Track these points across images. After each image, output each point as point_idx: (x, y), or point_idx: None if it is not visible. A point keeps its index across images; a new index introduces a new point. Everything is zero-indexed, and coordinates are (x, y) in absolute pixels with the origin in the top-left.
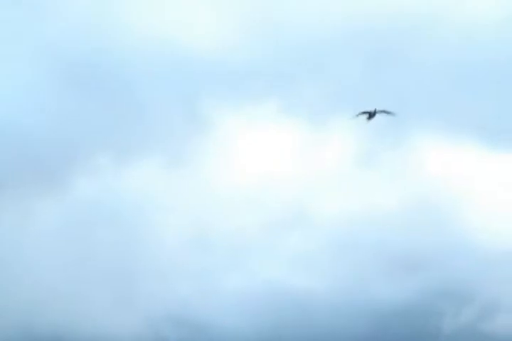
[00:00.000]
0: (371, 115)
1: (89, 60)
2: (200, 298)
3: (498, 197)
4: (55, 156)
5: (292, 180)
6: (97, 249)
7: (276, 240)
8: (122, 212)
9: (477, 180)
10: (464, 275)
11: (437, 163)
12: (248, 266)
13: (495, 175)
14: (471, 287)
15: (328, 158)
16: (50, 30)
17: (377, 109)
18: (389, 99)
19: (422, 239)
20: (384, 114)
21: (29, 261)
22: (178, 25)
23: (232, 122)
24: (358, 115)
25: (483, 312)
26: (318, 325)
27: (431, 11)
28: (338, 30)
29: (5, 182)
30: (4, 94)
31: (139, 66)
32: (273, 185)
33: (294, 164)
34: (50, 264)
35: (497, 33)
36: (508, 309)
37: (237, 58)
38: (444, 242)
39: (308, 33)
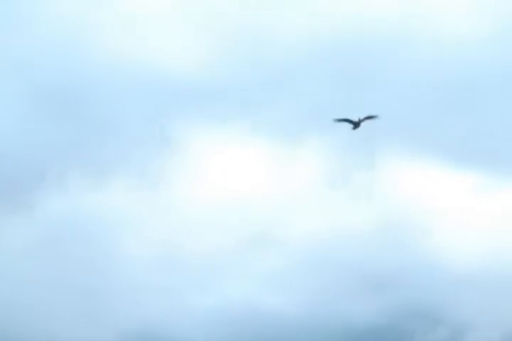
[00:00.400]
0: (356, 125)
1: (58, 80)
2: (170, 316)
3: (467, 217)
4: (23, 175)
5: (263, 199)
6: (66, 268)
7: (247, 259)
8: (92, 230)
9: (446, 200)
10: (433, 294)
11: (407, 183)
12: (219, 284)
13: (463, 196)
14: (441, 306)
15: (299, 177)
16: (18, 49)
17: (361, 117)
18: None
19: (392, 259)
20: (369, 120)
21: None
22: (148, 45)
23: (201, 142)
24: (338, 121)
25: (454, 332)
26: None
27: (401, 31)
28: (307, 50)
29: None
30: None
31: (109, 86)
32: (243, 205)
33: (265, 184)
34: (18, 281)
35: (467, 54)
36: (478, 328)
37: (207, 78)
38: (414, 262)
39: (277, 52)
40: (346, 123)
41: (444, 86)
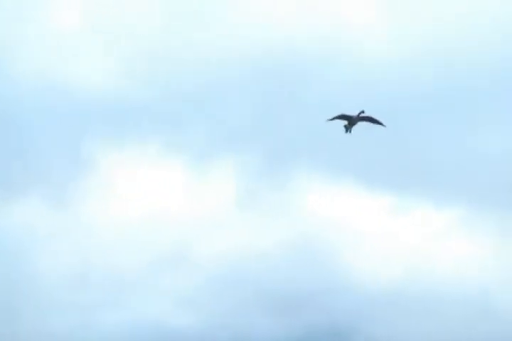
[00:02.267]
0: (352, 122)
1: None
2: (81, 332)
3: (379, 239)
4: None
5: (175, 219)
6: None
7: (158, 278)
8: (6, 248)
9: (357, 220)
10: (346, 315)
11: (318, 203)
12: (131, 302)
13: (374, 216)
14: (353, 326)
15: (211, 198)
16: None
17: (363, 114)
18: (273, 140)
19: (304, 279)
20: (370, 124)
21: None
22: (62, 63)
23: (116, 162)
24: (333, 119)
25: None
26: None
27: (322, 52)
28: (226, 70)
29: None
30: None
31: (22, 103)
32: (156, 224)
33: (178, 204)
34: None
35: (389, 74)
36: None
37: (122, 97)
38: (326, 282)
39: (195, 71)
40: (340, 127)
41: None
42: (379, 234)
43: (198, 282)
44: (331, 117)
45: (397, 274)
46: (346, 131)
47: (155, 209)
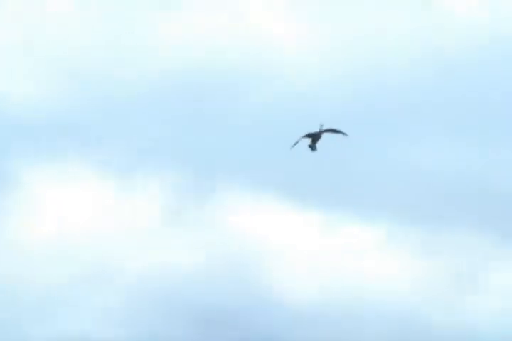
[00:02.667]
0: (315, 138)
1: None
2: None
3: (303, 254)
4: None
5: (99, 236)
6: None
7: (82, 294)
8: None
9: (283, 237)
10: (270, 329)
11: (243, 220)
12: (54, 317)
13: (300, 233)
14: None
15: (134, 213)
16: None
17: (322, 128)
18: (195, 155)
19: (229, 294)
20: (333, 134)
21: None
22: None
23: (38, 178)
24: (299, 140)
25: None
26: None
27: (245, 64)
28: (147, 86)
29: None
30: None
31: None
32: (80, 241)
33: (100, 220)
34: None
35: (313, 88)
36: None
37: (43, 114)
38: (250, 297)
39: (114, 87)
40: (305, 145)
41: (279, 127)
42: (304, 250)
43: (124, 298)
44: (294, 141)
45: (322, 290)
46: (312, 149)
47: (78, 226)
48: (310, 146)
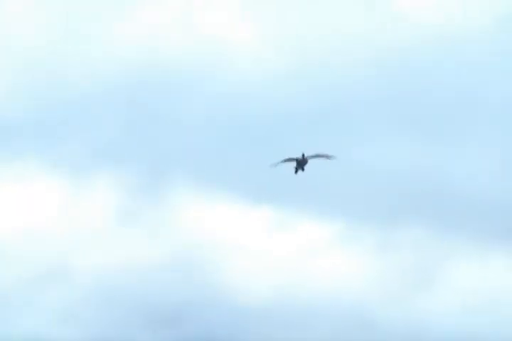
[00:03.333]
0: (301, 163)
1: None
2: None
3: (258, 253)
4: None
5: (54, 235)
6: None
7: (37, 294)
8: None
9: (235, 235)
10: (223, 328)
11: (196, 218)
12: (10, 316)
13: (253, 231)
14: (230, 339)
15: (89, 212)
16: None
17: (308, 155)
18: (150, 155)
19: (181, 294)
20: (321, 159)
21: None
22: None
23: None
24: (282, 162)
25: None
26: None
27: (194, 68)
28: (101, 86)
29: None
30: None
31: None
32: (35, 239)
33: (56, 220)
34: None
35: (268, 90)
36: None
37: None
38: (203, 296)
39: (70, 88)
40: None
41: (237, 122)
42: (259, 248)
43: (78, 296)
44: (276, 163)
45: (274, 288)
46: (296, 171)
47: (33, 225)
48: (296, 168)
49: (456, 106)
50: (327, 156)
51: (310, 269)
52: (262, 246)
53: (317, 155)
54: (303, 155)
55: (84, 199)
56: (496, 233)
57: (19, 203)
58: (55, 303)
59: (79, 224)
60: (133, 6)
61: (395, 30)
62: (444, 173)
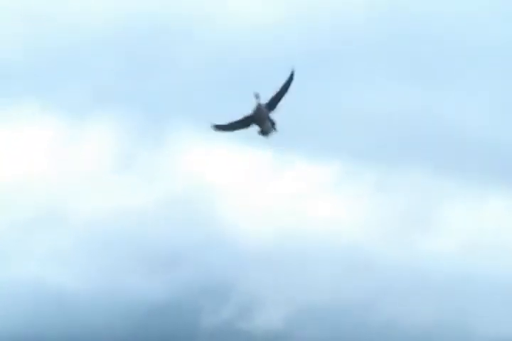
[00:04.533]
0: (261, 119)
1: None
2: None
3: (258, 195)
4: None
5: (49, 179)
6: None
7: (29, 238)
8: None
9: (233, 177)
10: (221, 272)
11: (195, 161)
12: (5, 262)
13: (256, 173)
14: (229, 284)
15: (86, 157)
16: None
17: (260, 101)
18: (146, 99)
19: (178, 236)
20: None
21: None
22: None
23: None
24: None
25: (241, 310)
26: (76, 326)
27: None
28: (93, 29)
29: None
30: None
31: None
32: (29, 185)
33: (51, 163)
34: None
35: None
36: (265, 307)
37: None
38: (201, 239)
39: (62, 32)
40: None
41: (235, 64)
42: (257, 189)
43: (74, 241)
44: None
45: (272, 231)
46: (266, 133)
47: (28, 170)
48: (261, 132)
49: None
50: (289, 80)
51: (308, 211)
52: (260, 189)
53: (276, 97)
54: (258, 105)
55: (81, 143)
56: (494, 173)
57: (17, 148)
58: (49, 248)
59: (75, 168)
60: None
61: None
62: (446, 116)
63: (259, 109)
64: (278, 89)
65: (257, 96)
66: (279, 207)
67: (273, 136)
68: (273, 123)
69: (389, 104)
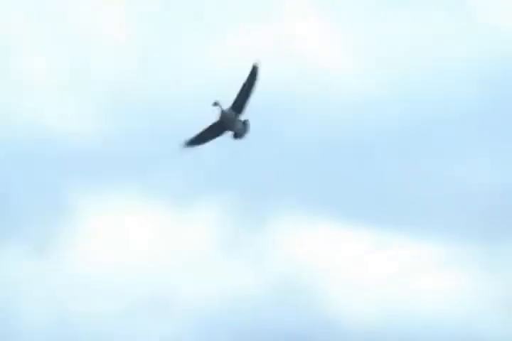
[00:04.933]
0: (228, 124)
1: None
2: None
3: (362, 276)
4: None
5: (155, 263)
6: None
7: (139, 325)
8: None
9: (340, 259)
10: None
11: (298, 242)
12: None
13: (358, 254)
14: None
15: (190, 240)
16: None
17: (221, 106)
18: (249, 178)
19: (288, 320)
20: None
21: None
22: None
23: (94, 207)
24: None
25: None
26: None
27: None
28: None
29: None
30: None
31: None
32: (135, 269)
33: (157, 247)
34: None
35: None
36: None
37: (98, 143)
38: (310, 321)
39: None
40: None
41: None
42: (361, 270)
43: (184, 325)
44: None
45: (380, 313)
46: (240, 135)
47: (135, 254)
48: (234, 135)
49: None
50: (250, 78)
51: (414, 292)
52: (365, 269)
53: (241, 92)
54: (221, 111)
55: (184, 227)
56: None
57: (123, 234)
58: (155, 335)
59: (179, 252)
60: None
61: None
62: None
63: (223, 114)
64: (239, 89)
65: (216, 103)
66: (384, 287)
67: (246, 136)
68: (244, 124)
69: (488, 174)
